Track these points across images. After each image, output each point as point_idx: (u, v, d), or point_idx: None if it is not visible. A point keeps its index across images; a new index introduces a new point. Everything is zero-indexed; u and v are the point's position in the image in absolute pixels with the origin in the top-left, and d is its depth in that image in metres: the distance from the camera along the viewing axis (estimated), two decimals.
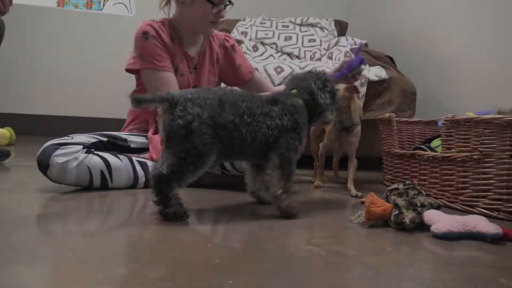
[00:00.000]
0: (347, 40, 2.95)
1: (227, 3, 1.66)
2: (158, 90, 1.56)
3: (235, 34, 3.04)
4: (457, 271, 0.87)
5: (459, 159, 1.47)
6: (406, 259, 0.92)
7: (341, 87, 1.63)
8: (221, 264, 0.82)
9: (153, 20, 1.67)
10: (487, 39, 2.42)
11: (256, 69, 2.34)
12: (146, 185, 1.55)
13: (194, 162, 1.12)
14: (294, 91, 1.31)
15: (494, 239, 1.09)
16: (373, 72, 2.43)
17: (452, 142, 1.51)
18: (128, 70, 1.68)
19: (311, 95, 1.30)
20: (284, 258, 0.89)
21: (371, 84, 2.38)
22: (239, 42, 2.77)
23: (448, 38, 2.72)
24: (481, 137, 1.40)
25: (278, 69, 2.37)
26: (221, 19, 1.71)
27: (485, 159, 1.40)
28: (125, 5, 3.85)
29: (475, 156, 1.42)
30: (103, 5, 3.85)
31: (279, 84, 2.36)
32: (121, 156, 1.53)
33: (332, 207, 1.43)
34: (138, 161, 1.54)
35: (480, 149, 1.41)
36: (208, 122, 1.12)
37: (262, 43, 3.02)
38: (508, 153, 1.35)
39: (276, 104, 1.25)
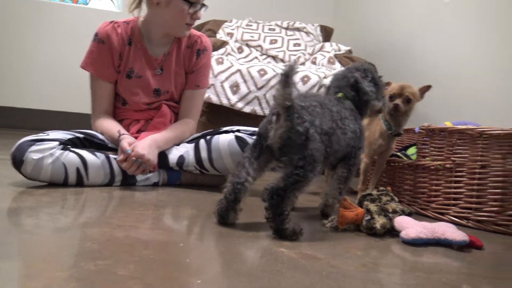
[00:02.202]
0: (331, 46, 2.98)
1: (202, 4, 1.65)
2: (93, 96, 1.67)
3: (221, 34, 3.04)
4: (423, 277, 0.90)
5: (432, 167, 1.50)
6: (374, 264, 0.94)
7: (416, 89, 1.58)
8: (192, 263, 0.83)
9: (113, 21, 1.68)
10: (469, 50, 2.48)
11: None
12: (123, 183, 1.55)
13: (311, 169, 1.08)
14: (340, 94, 1.34)
15: (460, 247, 1.12)
16: None
17: (426, 150, 1.55)
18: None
19: (356, 88, 1.33)
20: (255, 259, 0.90)
21: None
22: (224, 43, 2.77)
23: (430, 47, 2.77)
24: (454, 147, 1.44)
25: (262, 72, 2.39)
26: (197, 21, 1.69)
27: (457, 168, 1.43)
28: (112, 0, 3.82)
29: (447, 165, 1.46)
30: None
31: (262, 87, 2.37)
32: (98, 153, 1.52)
33: (310, 211, 1.45)
34: (115, 158, 1.54)
35: (452, 158, 1.44)
36: (319, 129, 1.12)
37: (248, 45, 3.03)
38: (479, 163, 1.39)
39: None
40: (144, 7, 1.68)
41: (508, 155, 1.34)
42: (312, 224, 1.27)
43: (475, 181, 1.39)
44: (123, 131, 1.61)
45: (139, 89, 1.69)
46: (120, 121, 1.71)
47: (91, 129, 1.68)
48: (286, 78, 1.02)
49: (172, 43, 1.72)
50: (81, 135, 1.58)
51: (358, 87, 1.32)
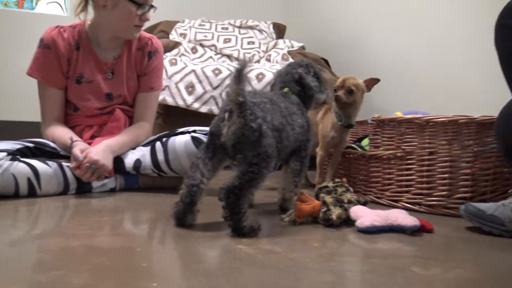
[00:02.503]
0: (284, 43, 3.02)
1: (151, 5, 1.63)
2: (42, 103, 1.64)
3: (174, 35, 3.02)
4: (377, 262, 0.93)
5: (384, 157, 1.55)
6: (330, 254, 0.97)
7: (359, 80, 1.61)
8: (149, 267, 0.82)
9: (59, 26, 1.63)
10: (419, 43, 2.57)
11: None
12: (78, 191, 1.51)
13: (266, 166, 1.09)
14: (286, 89, 1.36)
15: (413, 231, 1.17)
16: None
17: (378, 140, 1.60)
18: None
19: (300, 83, 1.36)
20: (213, 258, 0.91)
21: None
22: (177, 44, 2.75)
23: (381, 41, 2.85)
24: (404, 136, 1.50)
25: (216, 71, 2.39)
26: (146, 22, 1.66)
27: (407, 157, 1.49)
28: (60, 4, 3.70)
29: (398, 154, 1.51)
30: (36, 4, 3.68)
31: (217, 86, 2.37)
32: (50, 162, 1.48)
33: (269, 207, 1.46)
34: (68, 166, 1.50)
35: (402, 147, 1.50)
36: (271, 125, 1.13)
37: (201, 45, 3.02)
38: (427, 150, 1.45)
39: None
40: (90, 10, 1.64)
41: (453, 141, 1.41)
42: (271, 219, 1.29)
43: (424, 168, 1.45)
44: (75, 137, 1.57)
45: (90, 94, 1.65)
46: (72, 127, 1.67)
47: (42, 138, 1.63)
48: (239, 74, 1.02)
49: (122, 46, 1.70)
50: (31, 145, 1.53)
51: (302, 82, 1.36)
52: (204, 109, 2.35)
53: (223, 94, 2.36)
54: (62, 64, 1.61)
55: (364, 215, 1.20)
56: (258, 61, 2.97)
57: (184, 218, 1.13)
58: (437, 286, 0.80)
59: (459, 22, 2.30)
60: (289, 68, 1.41)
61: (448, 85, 2.36)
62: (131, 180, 1.64)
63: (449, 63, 2.35)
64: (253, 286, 0.75)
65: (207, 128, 1.60)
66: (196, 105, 2.35)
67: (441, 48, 2.41)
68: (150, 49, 1.74)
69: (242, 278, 0.79)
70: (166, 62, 2.39)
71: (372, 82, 1.62)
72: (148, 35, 1.77)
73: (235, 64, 2.66)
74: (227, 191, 1.05)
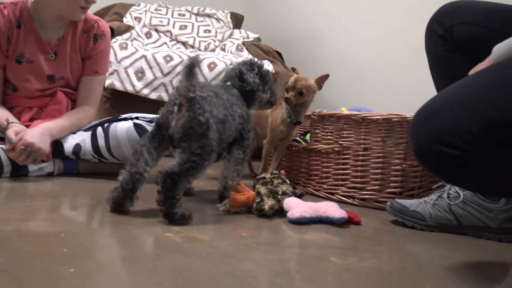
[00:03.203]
0: (240, 33, 3.02)
1: None
2: None
3: (128, 19, 2.95)
4: (298, 252, 0.97)
5: (323, 150, 1.60)
6: (256, 243, 1.00)
7: (311, 82, 1.61)
8: (69, 253, 0.82)
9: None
10: (367, 42, 2.64)
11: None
12: (13, 174, 1.47)
13: (208, 158, 1.12)
14: (228, 83, 1.40)
15: (341, 223, 1.22)
16: None
17: (319, 135, 1.64)
18: None
19: (241, 79, 1.39)
20: (137, 245, 0.92)
21: None
22: (129, 27, 2.70)
23: (333, 38, 2.91)
24: (341, 131, 1.55)
25: (168, 58, 2.37)
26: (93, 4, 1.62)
27: (344, 151, 1.55)
28: None
29: (336, 149, 1.56)
30: None
31: (168, 73, 2.36)
32: None
33: (210, 195, 1.48)
34: (2, 148, 1.45)
35: (340, 142, 1.55)
36: (216, 119, 1.16)
37: (156, 30, 2.97)
38: (362, 146, 1.51)
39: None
40: None
41: (387, 138, 1.47)
42: (206, 208, 1.31)
43: (359, 163, 1.51)
44: (12, 119, 1.52)
45: (31, 75, 1.61)
46: (10, 108, 1.62)
47: None
48: (190, 70, 1.05)
49: (67, 27, 1.65)
50: None
51: (242, 78, 1.40)
52: (153, 96, 2.33)
53: (174, 82, 2.35)
54: (1, 42, 1.56)
55: (295, 207, 1.24)
56: (213, 50, 2.97)
57: (122, 204, 1.14)
58: (348, 274, 0.85)
59: (404, 22, 2.38)
60: (236, 64, 1.45)
61: (392, 83, 2.44)
62: (70, 165, 1.61)
63: (393, 63, 2.44)
64: (168, 273, 0.76)
65: (150, 115, 1.61)
66: (145, 91, 2.32)
67: (386, 48, 2.50)
68: (96, 32, 1.70)
69: (160, 265, 0.80)
70: (116, 46, 2.35)
71: (322, 80, 1.62)
72: (95, 17, 1.73)
73: (188, 51, 2.64)
74: (165, 175, 1.07)
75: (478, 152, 0.80)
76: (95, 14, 2.20)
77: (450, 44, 1.16)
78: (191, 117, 1.11)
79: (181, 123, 1.11)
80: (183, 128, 1.11)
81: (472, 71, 0.93)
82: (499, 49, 0.87)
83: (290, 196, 1.33)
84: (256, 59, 1.49)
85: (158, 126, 1.16)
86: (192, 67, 1.05)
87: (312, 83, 1.61)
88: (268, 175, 1.41)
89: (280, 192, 1.30)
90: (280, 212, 1.27)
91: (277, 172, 1.44)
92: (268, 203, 1.24)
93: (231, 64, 2.34)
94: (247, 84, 1.39)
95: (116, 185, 1.15)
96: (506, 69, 0.83)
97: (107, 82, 2.25)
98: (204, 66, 2.38)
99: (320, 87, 1.63)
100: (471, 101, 0.82)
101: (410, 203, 1.27)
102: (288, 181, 1.41)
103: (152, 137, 1.16)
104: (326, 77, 1.63)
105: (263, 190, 1.28)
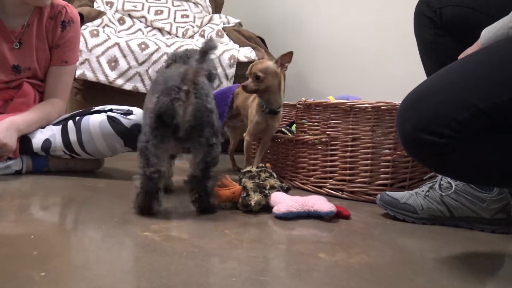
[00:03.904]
0: (220, 18, 3.01)
1: None
2: None
3: (99, 4, 2.91)
4: (284, 249, 0.98)
5: (310, 142, 1.61)
6: (240, 240, 1.00)
7: (269, 61, 1.59)
8: (40, 256, 0.82)
9: None
10: (356, 27, 2.66)
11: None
12: None
13: (220, 143, 1.18)
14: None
15: (329, 217, 1.24)
16: (243, 53, 2.53)
17: (305, 125, 1.65)
18: None
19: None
20: (113, 246, 0.91)
21: (240, 65, 2.47)
22: (101, 13, 2.66)
23: (320, 23, 2.92)
24: (329, 121, 1.56)
25: (143, 45, 2.35)
26: None
27: (332, 142, 1.56)
28: None
29: (323, 139, 1.57)
30: None
31: (143, 62, 2.34)
32: None
33: None
34: None
35: (327, 132, 1.56)
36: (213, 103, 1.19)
37: (130, 16, 2.94)
38: (350, 136, 1.52)
39: None
40: None
41: (376, 127, 1.49)
42: (189, 204, 1.30)
43: (348, 154, 1.53)
44: None
45: None
46: None
47: None
48: (204, 54, 1.08)
49: (32, 13, 1.62)
50: None
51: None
52: (128, 86, 2.31)
53: (150, 71, 2.33)
54: None
55: (281, 201, 1.25)
56: (191, 37, 2.95)
57: (150, 207, 1.14)
58: (337, 271, 0.86)
59: (391, 7, 2.40)
60: (187, 51, 1.37)
61: (381, 70, 2.47)
62: (39, 162, 1.59)
63: (382, 48, 2.46)
64: (147, 274, 0.77)
65: (125, 107, 1.60)
66: (119, 82, 2.30)
67: (374, 32, 2.51)
68: (64, 19, 1.68)
69: (137, 265, 0.80)
70: (86, 33, 2.31)
71: (285, 59, 1.55)
72: (63, 2, 1.70)
73: (165, 39, 2.61)
74: (193, 177, 1.16)
75: (464, 140, 0.82)
76: None
77: (439, 27, 1.17)
78: (200, 104, 1.12)
79: (190, 111, 1.11)
80: (193, 117, 1.12)
81: (461, 56, 0.95)
82: (488, 32, 0.89)
83: (278, 190, 1.33)
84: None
85: (158, 117, 1.11)
86: (207, 51, 1.08)
87: (269, 64, 1.57)
88: (254, 169, 1.41)
89: (267, 187, 1.31)
90: (266, 207, 1.28)
91: (263, 165, 1.44)
92: (255, 198, 1.25)
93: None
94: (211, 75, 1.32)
95: (136, 191, 1.14)
96: (493, 55, 0.85)
97: (78, 72, 2.23)
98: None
99: (282, 67, 1.57)
100: (457, 88, 0.84)
101: (401, 195, 1.28)
102: (275, 175, 1.42)
103: (154, 131, 1.12)
104: (289, 55, 1.56)
105: (249, 184, 1.28)
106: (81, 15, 2.03)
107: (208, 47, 1.07)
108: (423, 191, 1.28)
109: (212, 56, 1.15)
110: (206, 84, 1.18)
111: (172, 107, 1.10)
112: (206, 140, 1.14)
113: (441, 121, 0.82)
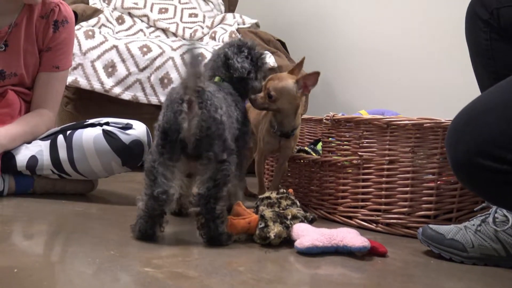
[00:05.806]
0: (234, 18, 3.04)
1: None
2: None
3: (95, 0, 2.97)
4: None
5: (339, 164, 1.61)
6: (256, 280, 1.00)
7: (290, 79, 1.52)
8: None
9: None
10: (396, 32, 2.66)
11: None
12: None
13: (233, 161, 1.19)
14: (217, 78, 1.41)
15: (362, 254, 1.23)
16: None
17: (333, 144, 1.65)
18: None
19: (227, 65, 1.40)
20: (109, 283, 0.92)
21: None
22: (97, 11, 2.71)
23: (352, 24, 2.93)
24: (361, 140, 1.56)
25: (144, 49, 2.38)
26: None
27: (365, 165, 1.55)
28: None
29: (355, 161, 1.57)
30: None
31: (145, 68, 2.37)
32: None
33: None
34: None
35: (360, 153, 1.56)
36: (227, 116, 1.21)
37: (130, 15, 2.99)
38: (387, 158, 1.51)
39: None
40: None
41: (417, 148, 1.48)
42: (194, 235, 1.30)
43: (383, 179, 1.52)
44: None
45: None
46: None
47: None
48: (192, 55, 1.10)
49: (21, 11, 1.67)
50: None
51: (228, 64, 1.40)
52: (127, 96, 2.34)
53: (152, 78, 2.36)
54: None
55: (305, 234, 1.24)
56: (200, 39, 2.98)
57: (152, 233, 1.16)
58: None
59: (438, 8, 2.41)
60: (219, 49, 1.45)
61: (428, 82, 2.46)
62: (24, 182, 1.61)
63: (425, 56, 2.46)
64: None
65: (123, 120, 1.62)
66: (117, 90, 2.33)
67: (420, 40, 2.51)
68: (57, 18, 1.71)
69: None
70: (80, 34, 2.36)
71: (310, 79, 1.50)
72: (57, 0, 1.74)
73: (170, 42, 2.65)
74: (201, 197, 1.15)
75: None
76: None
77: (495, 31, 1.17)
78: (206, 115, 1.13)
79: (195, 124, 1.13)
80: (198, 130, 1.14)
81: None
82: None
83: (302, 221, 1.33)
84: (247, 40, 1.49)
85: (164, 133, 1.16)
86: (193, 52, 1.10)
87: (288, 85, 1.50)
88: (273, 195, 1.41)
89: (289, 217, 1.31)
90: (287, 240, 1.27)
91: (284, 191, 1.44)
92: (275, 229, 1.24)
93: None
94: (234, 70, 1.39)
95: (138, 213, 1.16)
96: None
97: (70, 79, 2.26)
98: None
99: (305, 89, 1.52)
100: None
101: (447, 230, 1.27)
102: (298, 203, 1.41)
103: (161, 148, 1.16)
104: (314, 76, 1.50)
105: (268, 213, 1.28)
106: (75, 13, 2.07)
107: (192, 47, 1.11)
108: (473, 225, 1.26)
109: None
110: (216, 92, 1.21)
111: (176, 121, 1.14)
112: (215, 155, 1.15)
113: (502, 143, 0.81)
